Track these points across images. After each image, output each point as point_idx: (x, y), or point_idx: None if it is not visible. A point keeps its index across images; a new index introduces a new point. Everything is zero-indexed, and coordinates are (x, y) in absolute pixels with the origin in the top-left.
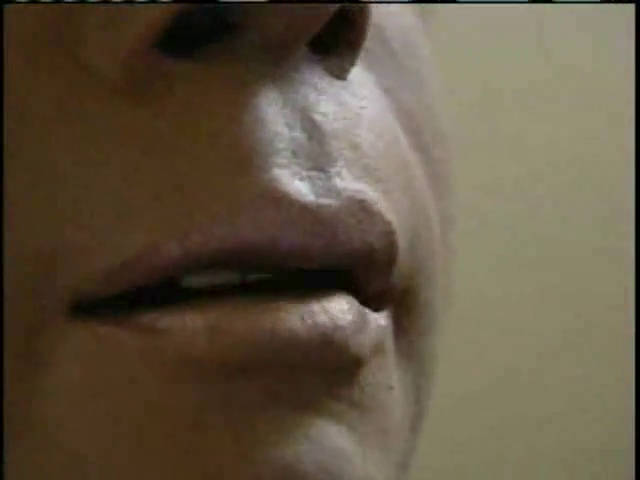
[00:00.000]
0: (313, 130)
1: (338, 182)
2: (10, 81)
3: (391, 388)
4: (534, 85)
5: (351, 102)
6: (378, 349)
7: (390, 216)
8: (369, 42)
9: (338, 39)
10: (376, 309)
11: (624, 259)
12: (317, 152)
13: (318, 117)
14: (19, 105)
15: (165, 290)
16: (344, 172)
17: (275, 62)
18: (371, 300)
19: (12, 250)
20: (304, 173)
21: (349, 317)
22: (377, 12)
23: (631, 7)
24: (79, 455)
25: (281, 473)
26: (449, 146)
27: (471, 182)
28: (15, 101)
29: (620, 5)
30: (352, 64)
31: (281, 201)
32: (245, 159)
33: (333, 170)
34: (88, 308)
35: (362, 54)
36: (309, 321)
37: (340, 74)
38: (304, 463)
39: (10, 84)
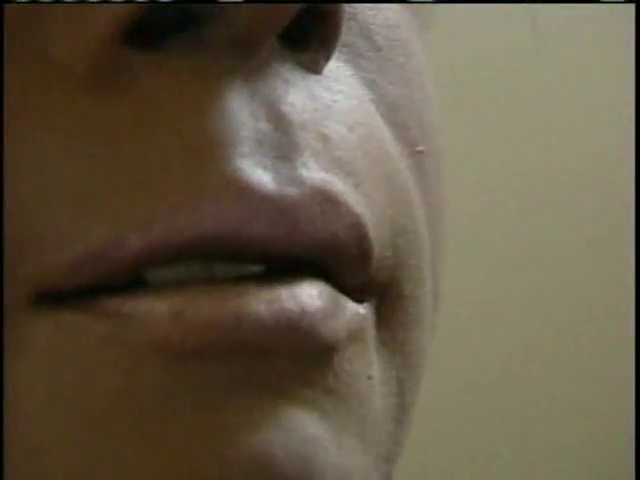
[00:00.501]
0: (279, 121)
1: (303, 172)
2: None
3: (370, 378)
4: (530, 85)
5: (323, 95)
6: (355, 337)
7: (360, 209)
8: (351, 37)
9: (312, 35)
10: (357, 300)
11: (624, 258)
12: (283, 142)
13: (286, 108)
14: None
15: (131, 283)
16: (310, 162)
17: (243, 55)
18: (351, 292)
19: None
20: (268, 162)
21: (318, 303)
22: (362, 8)
23: (631, 7)
24: (42, 447)
25: (250, 461)
26: (438, 140)
27: (463, 180)
28: None
29: (620, 5)
30: (327, 59)
31: (243, 191)
32: (207, 149)
33: (299, 160)
34: (53, 298)
35: (343, 49)
36: (275, 306)
37: (314, 69)
38: (274, 450)
39: None
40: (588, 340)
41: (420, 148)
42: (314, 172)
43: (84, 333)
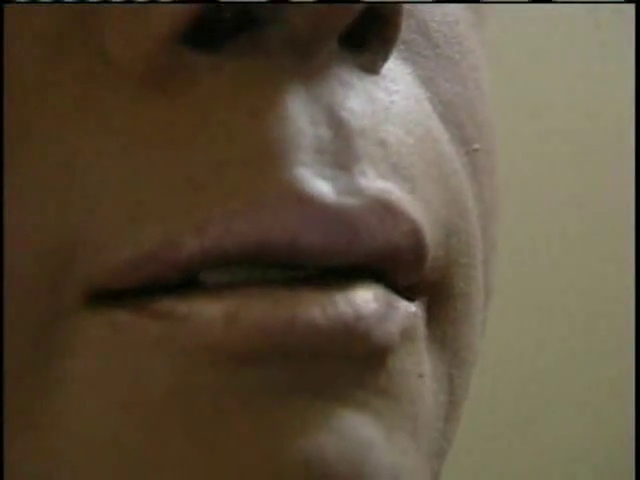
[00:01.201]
0: (339, 127)
1: (362, 181)
2: (28, 73)
3: (421, 376)
4: (530, 85)
5: (381, 97)
6: (407, 336)
7: (417, 214)
8: (410, 34)
9: (371, 35)
10: (408, 298)
11: (624, 258)
12: (342, 150)
13: (345, 114)
14: (38, 98)
15: (186, 285)
16: (369, 170)
17: (302, 58)
18: (403, 291)
19: (28, 243)
20: (327, 172)
21: (373, 306)
22: (420, 4)
23: (631, 7)
24: (94, 444)
25: (302, 464)
26: (493, 138)
27: None
28: (34, 93)
29: (620, 5)
30: (385, 59)
31: (302, 200)
32: (266, 155)
33: (357, 168)
34: (106, 298)
35: (401, 46)
36: (331, 311)
37: (372, 69)
38: (327, 454)
39: (28, 76)
40: (588, 340)
41: (476, 146)
42: (372, 181)
43: (138, 333)
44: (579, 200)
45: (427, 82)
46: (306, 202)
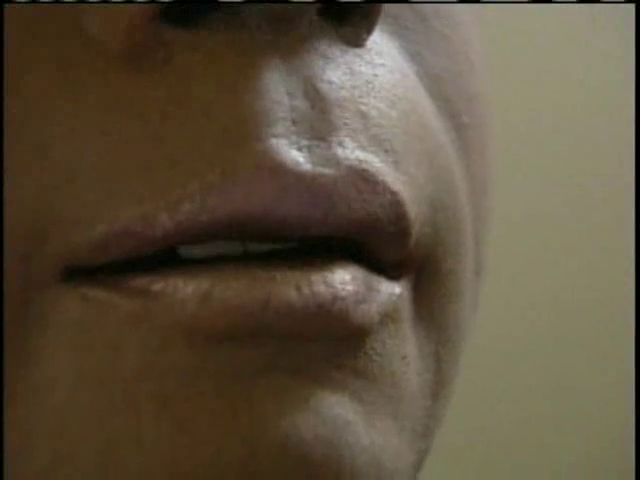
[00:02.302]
0: (316, 98)
1: (339, 151)
2: (6, 55)
3: (404, 357)
4: (530, 86)
5: (364, 70)
6: (389, 317)
7: (398, 187)
8: (397, 8)
9: (354, 8)
10: (393, 277)
11: (624, 258)
12: (319, 121)
13: (323, 85)
14: (15, 77)
15: (163, 258)
16: (347, 141)
17: (280, 31)
18: (387, 268)
19: (2, 219)
20: (303, 142)
21: (350, 288)
22: None
23: (631, 7)
24: (66, 419)
25: (278, 445)
26: (485, 112)
27: None
28: (12, 72)
29: (620, 5)
30: (369, 32)
31: (276, 171)
32: (241, 128)
33: (335, 139)
34: (81, 273)
35: (388, 19)
36: (306, 291)
37: (356, 42)
38: (303, 434)
39: (8, 52)
40: (588, 340)
41: (464, 120)
42: (350, 151)
43: (112, 309)
44: (579, 200)
45: (415, 56)
46: (281, 172)
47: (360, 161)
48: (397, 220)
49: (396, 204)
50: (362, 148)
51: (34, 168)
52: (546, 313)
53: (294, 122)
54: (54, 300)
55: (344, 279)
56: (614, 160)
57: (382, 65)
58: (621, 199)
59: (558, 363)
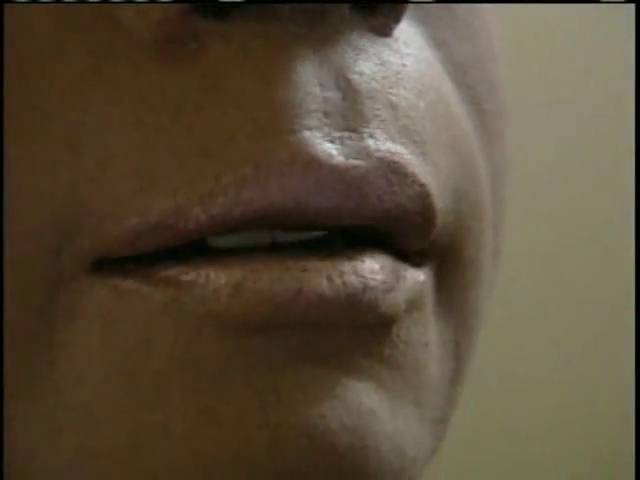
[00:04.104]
0: (348, 90)
1: (371, 143)
2: (40, 45)
3: (426, 345)
4: (530, 86)
5: (393, 60)
6: (414, 305)
7: (426, 178)
8: None
9: None
10: (417, 264)
11: (624, 258)
12: (350, 112)
13: (354, 77)
14: (48, 68)
15: (193, 249)
16: (378, 133)
17: (312, 23)
18: (411, 255)
19: (33, 210)
20: (335, 134)
21: (379, 277)
22: None
23: (631, 7)
24: (94, 413)
25: (305, 435)
26: (503, 99)
27: None
28: (44, 64)
29: (620, 5)
30: (397, 22)
31: (309, 163)
32: (274, 121)
33: (366, 131)
34: (111, 264)
35: (413, 7)
36: (337, 281)
37: (384, 32)
38: (329, 423)
39: (40, 47)
40: (588, 340)
41: (487, 106)
42: (381, 143)
43: (143, 300)
44: (578, 200)
45: (439, 43)
46: (314, 165)
47: (391, 153)
48: (424, 211)
49: (424, 196)
50: (392, 139)
51: (66, 159)
52: (545, 314)
53: (326, 114)
54: (84, 292)
55: (373, 268)
56: (614, 160)
57: (409, 55)
58: (621, 199)
59: (558, 363)
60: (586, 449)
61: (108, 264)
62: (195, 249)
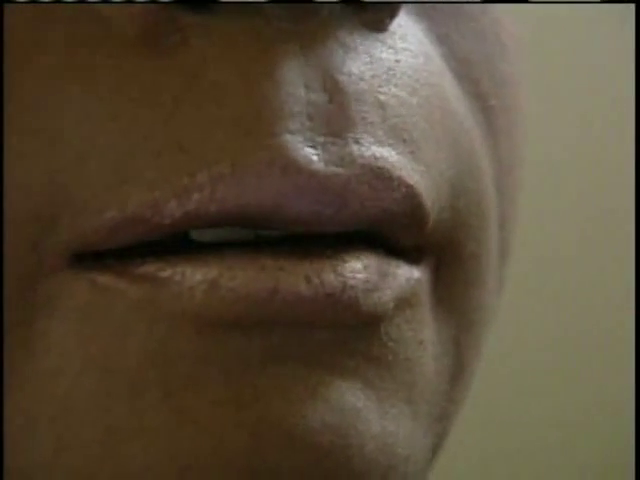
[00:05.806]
0: (334, 92)
1: (355, 149)
2: (19, 36)
3: (421, 343)
4: (530, 85)
5: (385, 56)
6: (406, 302)
7: (413, 179)
8: None
9: None
10: (413, 260)
11: (624, 258)
12: (336, 116)
13: (342, 77)
14: (25, 59)
15: (175, 242)
16: (364, 137)
17: (299, 19)
18: (407, 251)
19: (12, 204)
20: (318, 139)
21: (361, 276)
22: None
23: (631, 7)
24: (71, 406)
25: (283, 434)
26: (514, 94)
27: None
28: (22, 55)
29: (620, 5)
30: (392, 16)
31: (288, 167)
32: (255, 119)
33: (351, 135)
34: (90, 259)
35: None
36: (315, 281)
37: (378, 27)
38: (310, 422)
39: (18, 38)
40: (588, 341)
41: (491, 102)
42: (366, 148)
43: (119, 296)
44: (578, 200)
45: (442, 38)
46: (292, 170)
47: (376, 158)
48: (412, 212)
49: (411, 196)
50: (379, 143)
51: (44, 152)
52: (546, 313)
53: (310, 117)
54: (62, 285)
55: (355, 268)
56: (614, 160)
57: (405, 50)
58: (621, 199)
59: (558, 363)
60: (586, 449)
61: (89, 259)
62: (177, 243)
